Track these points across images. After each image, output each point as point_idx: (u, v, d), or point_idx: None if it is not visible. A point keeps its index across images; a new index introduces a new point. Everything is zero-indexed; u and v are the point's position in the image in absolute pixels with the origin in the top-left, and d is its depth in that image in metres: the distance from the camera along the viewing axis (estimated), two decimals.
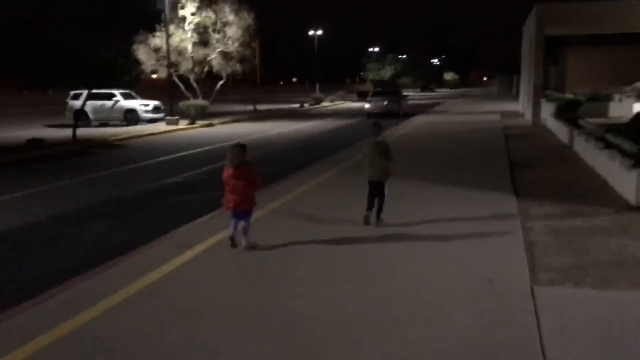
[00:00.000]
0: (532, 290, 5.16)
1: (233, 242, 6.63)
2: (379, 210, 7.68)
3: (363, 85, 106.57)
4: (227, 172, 6.47)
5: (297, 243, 6.81)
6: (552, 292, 5.14)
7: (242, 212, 6.53)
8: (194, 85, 30.90)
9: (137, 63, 27.73)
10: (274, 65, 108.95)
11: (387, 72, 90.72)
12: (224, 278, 5.77)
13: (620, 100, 25.69)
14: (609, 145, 11.55)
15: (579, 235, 6.87)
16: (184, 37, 29.34)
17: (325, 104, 52.52)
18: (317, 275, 5.70)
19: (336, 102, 56.36)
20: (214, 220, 8.09)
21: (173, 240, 7.18)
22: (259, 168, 6.82)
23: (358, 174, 11.42)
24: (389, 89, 38.99)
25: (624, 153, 10.30)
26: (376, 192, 7.64)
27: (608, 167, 10.13)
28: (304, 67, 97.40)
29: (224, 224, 7.13)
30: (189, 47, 29.61)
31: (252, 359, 4.03)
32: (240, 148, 6.48)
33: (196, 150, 18.25)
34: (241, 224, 6.60)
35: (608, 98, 25.79)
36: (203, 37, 30.25)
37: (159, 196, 11.02)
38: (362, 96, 54.66)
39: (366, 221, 7.63)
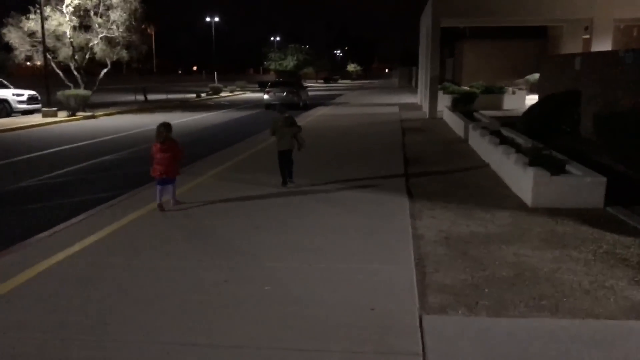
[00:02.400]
0: (420, 320, 4.34)
1: (161, 208, 7.73)
2: (290, 173, 9.25)
3: (266, 75, 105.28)
4: (155, 146, 7.71)
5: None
6: (443, 323, 4.33)
7: (168, 179, 7.77)
8: (75, 73, 28.34)
9: (8, 49, 24.98)
10: (172, 54, 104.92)
11: (289, 62, 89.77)
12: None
13: (513, 93, 26.23)
14: (503, 140, 11.19)
15: (474, 244, 6.18)
16: (62, 21, 26.67)
17: (224, 94, 50.77)
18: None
19: (236, 92, 54.74)
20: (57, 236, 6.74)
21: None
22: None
23: (240, 174, 10.37)
24: (288, 80, 38.13)
25: (518, 149, 9.91)
26: (286, 159, 9.18)
27: (503, 163, 9.68)
28: (204, 56, 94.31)
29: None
30: (68, 31, 27.00)
31: None
32: (165, 126, 7.71)
33: (71, 146, 16.38)
34: (168, 189, 7.87)
35: (502, 90, 26.24)
36: (84, 20, 27.73)
37: (9, 203, 9.38)
38: (264, 86, 53.38)
39: (284, 185, 9.22)
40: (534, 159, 8.28)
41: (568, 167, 8.21)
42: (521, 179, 8.23)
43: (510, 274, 5.25)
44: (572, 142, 12.99)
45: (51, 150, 15.53)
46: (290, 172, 9.23)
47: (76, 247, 6.19)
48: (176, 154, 7.77)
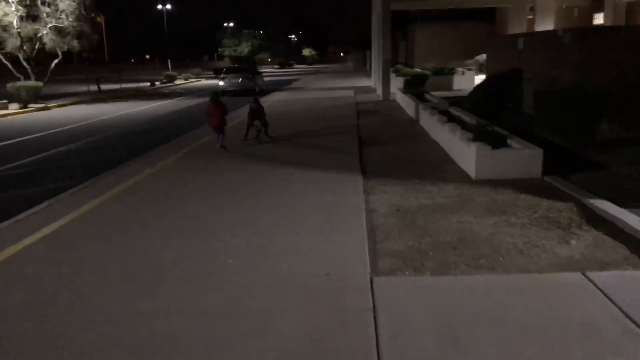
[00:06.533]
0: (371, 282, 4.77)
1: (225, 148, 11.45)
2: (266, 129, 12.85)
3: (221, 62, 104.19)
4: (210, 107, 11.44)
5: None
6: (391, 283, 4.77)
7: (220, 129, 11.43)
8: (25, 64, 27.74)
9: None
10: (124, 43, 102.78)
11: (244, 48, 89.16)
12: None
13: (463, 74, 26.97)
14: (451, 119, 11.74)
15: (422, 214, 6.66)
16: (7, 11, 26.02)
17: (179, 82, 50.31)
18: None
19: (191, 80, 54.28)
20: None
21: None
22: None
23: (203, 160, 10.68)
24: (243, 66, 38.09)
25: (464, 126, 10.45)
26: (257, 116, 12.57)
27: (450, 140, 10.21)
28: (157, 44, 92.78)
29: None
30: (15, 21, 26.38)
31: None
32: (217, 93, 11.90)
33: (25, 137, 16.24)
34: (221, 136, 11.48)
35: (452, 71, 26.96)
36: (31, 10, 27.11)
37: None
38: (219, 73, 52.96)
39: (255, 138, 12.61)
40: (478, 135, 8.82)
41: (509, 142, 8.77)
42: (466, 154, 8.76)
43: (453, 239, 5.74)
44: (515, 119, 13.67)
45: (3, 142, 15.37)
46: (266, 128, 12.82)
47: (44, 232, 6.42)
48: (224, 111, 11.35)
